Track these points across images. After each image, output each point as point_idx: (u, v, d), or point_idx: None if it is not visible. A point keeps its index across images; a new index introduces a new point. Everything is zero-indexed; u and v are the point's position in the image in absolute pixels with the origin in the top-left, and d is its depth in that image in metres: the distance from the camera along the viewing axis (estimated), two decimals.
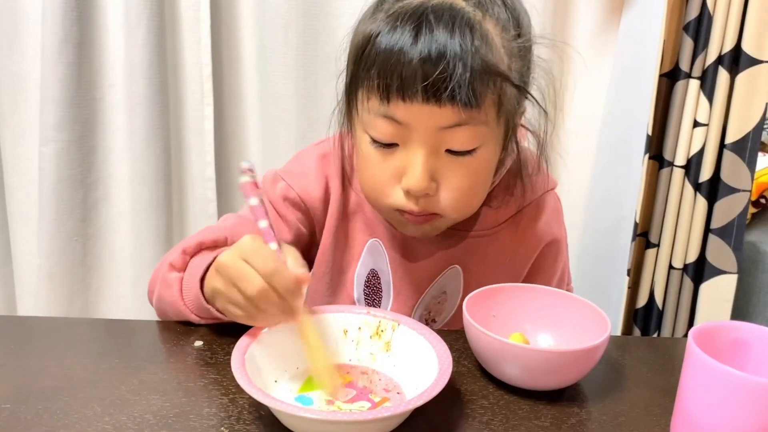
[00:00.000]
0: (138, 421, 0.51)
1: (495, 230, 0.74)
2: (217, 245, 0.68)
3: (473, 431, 0.52)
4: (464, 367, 0.61)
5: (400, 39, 0.59)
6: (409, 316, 0.67)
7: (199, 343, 0.62)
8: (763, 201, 1.26)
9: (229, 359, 0.52)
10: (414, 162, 0.61)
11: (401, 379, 0.58)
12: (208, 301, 0.61)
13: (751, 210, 1.25)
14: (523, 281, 0.75)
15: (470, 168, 0.63)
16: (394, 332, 0.59)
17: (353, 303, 0.76)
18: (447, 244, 0.73)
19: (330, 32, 1.14)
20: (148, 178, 1.15)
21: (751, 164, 1.14)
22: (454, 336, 0.63)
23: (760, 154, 1.16)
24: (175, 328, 0.64)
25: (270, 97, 1.17)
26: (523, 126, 0.69)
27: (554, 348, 0.62)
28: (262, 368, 0.54)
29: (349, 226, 0.75)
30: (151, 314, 1.19)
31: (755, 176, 1.16)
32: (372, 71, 0.60)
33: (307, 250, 0.76)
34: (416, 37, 0.58)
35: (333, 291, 0.76)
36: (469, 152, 0.62)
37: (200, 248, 0.68)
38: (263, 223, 0.58)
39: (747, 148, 1.13)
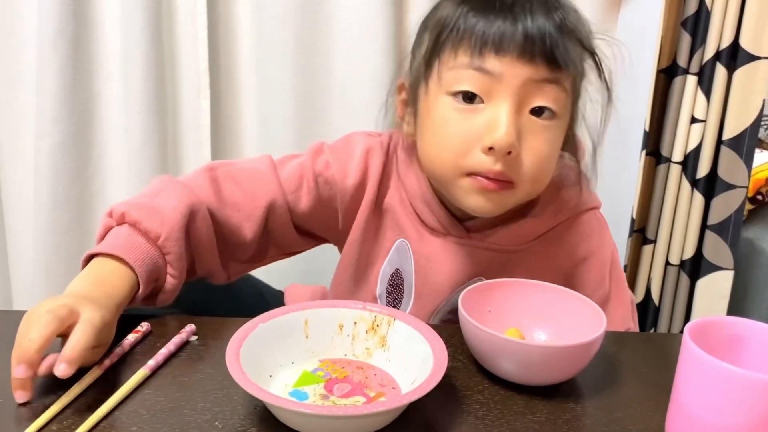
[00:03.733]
0: (131, 416, 0.51)
1: (527, 246, 0.73)
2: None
3: (468, 426, 0.52)
4: (460, 362, 0.60)
5: (494, 6, 0.63)
6: (427, 321, 0.67)
7: (194, 338, 0.62)
8: (759, 197, 1.26)
9: (224, 354, 0.52)
10: (500, 117, 0.62)
11: (397, 374, 0.57)
12: None
13: (748, 206, 1.25)
14: None
15: (548, 136, 0.65)
16: (390, 327, 0.59)
17: (375, 299, 0.76)
18: (475, 255, 0.73)
19: (327, 26, 1.14)
20: (145, 173, 1.15)
21: (748, 161, 1.13)
22: (450, 331, 0.63)
23: (757, 150, 1.16)
24: (170, 323, 0.64)
25: (267, 91, 1.17)
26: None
27: (550, 343, 0.62)
28: (257, 363, 0.54)
29: (380, 223, 0.75)
30: (146, 309, 1.18)
31: (752, 173, 1.16)
32: (462, 29, 0.63)
33: (324, 228, 0.77)
34: (512, 3, 0.63)
35: (356, 283, 0.77)
36: (550, 117, 0.64)
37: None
38: None
39: (744, 145, 1.13)
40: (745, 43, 1.08)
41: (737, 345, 0.51)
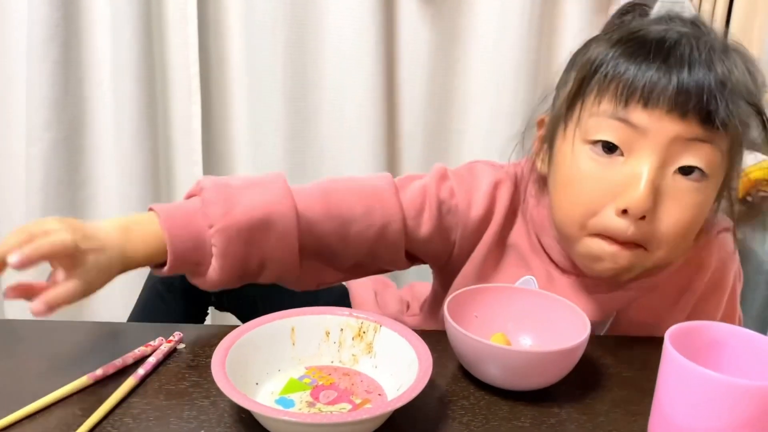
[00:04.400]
0: (118, 425, 0.51)
1: (658, 280, 0.68)
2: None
3: None
4: (445, 368, 0.61)
5: (648, 55, 0.58)
6: None
7: (181, 346, 0.62)
8: (749, 199, 1.27)
9: (210, 361, 0.52)
10: (638, 174, 0.57)
11: (383, 381, 0.58)
12: None
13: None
14: None
15: (694, 199, 0.59)
16: (376, 334, 0.59)
17: None
18: (607, 297, 0.68)
19: (317, 31, 1.14)
20: (136, 178, 1.15)
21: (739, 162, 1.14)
22: (436, 337, 0.63)
23: (746, 151, 1.17)
24: (158, 331, 0.64)
25: (257, 96, 1.17)
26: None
27: (534, 349, 0.62)
28: (243, 371, 0.54)
29: (502, 258, 0.71)
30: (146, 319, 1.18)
31: (742, 174, 1.16)
32: (610, 74, 0.59)
33: (434, 255, 0.73)
34: (668, 53, 0.58)
35: None
36: (699, 178, 0.58)
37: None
38: None
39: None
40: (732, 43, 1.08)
41: (717, 350, 0.51)
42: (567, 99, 0.63)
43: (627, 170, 0.59)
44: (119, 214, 1.18)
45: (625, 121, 0.58)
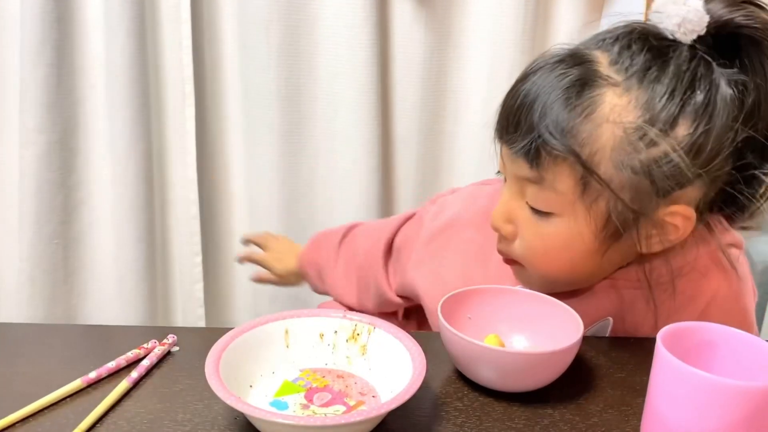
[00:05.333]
0: (112, 428, 0.51)
1: (657, 284, 0.66)
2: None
3: None
4: (439, 370, 0.61)
5: (518, 79, 0.62)
6: None
7: (175, 348, 0.62)
8: None
9: (204, 364, 0.52)
10: (501, 197, 0.64)
11: (377, 383, 0.58)
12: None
13: None
14: None
15: (544, 231, 0.62)
16: (370, 336, 0.59)
17: None
18: (600, 297, 0.68)
19: (312, 33, 1.14)
20: (130, 180, 1.15)
21: None
22: (430, 339, 0.63)
23: None
24: (152, 333, 0.64)
25: (252, 98, 1.17)
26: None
27: (527, 350, 0.62)
28: (237, 373, 0.54)
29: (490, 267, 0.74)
30: (132, 317, 1.19)
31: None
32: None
33: None
34: (521, 81, 0.61)
35: None
36: (543, 214, 0.61)
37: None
38: None
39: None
40: None
41: (710, 351, 0.51)
42: None
43: (502, 193, 0.65)
44: (113, 216, 1.17)
45: (499, 152, 0.64)
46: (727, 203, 0.63)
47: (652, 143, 0.56)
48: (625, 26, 0.61)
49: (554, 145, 0.57)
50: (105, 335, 0.66)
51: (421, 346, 0.56)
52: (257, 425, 0.51)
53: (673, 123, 0.56)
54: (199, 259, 1.20)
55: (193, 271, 1.21)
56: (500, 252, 0.67)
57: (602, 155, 0.57)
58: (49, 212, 1.15)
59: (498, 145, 0.64)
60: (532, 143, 0.58)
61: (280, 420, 0.48)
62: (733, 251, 0.68)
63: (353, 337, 0.60)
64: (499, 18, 1.14)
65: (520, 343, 0.64)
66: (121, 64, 1.11)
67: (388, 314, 0.87)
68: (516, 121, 0.60)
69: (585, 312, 0.66)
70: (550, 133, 0.57)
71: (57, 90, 1.12)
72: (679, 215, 0.59)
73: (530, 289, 0.67)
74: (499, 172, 0.66)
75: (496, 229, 0.65)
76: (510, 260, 0.67)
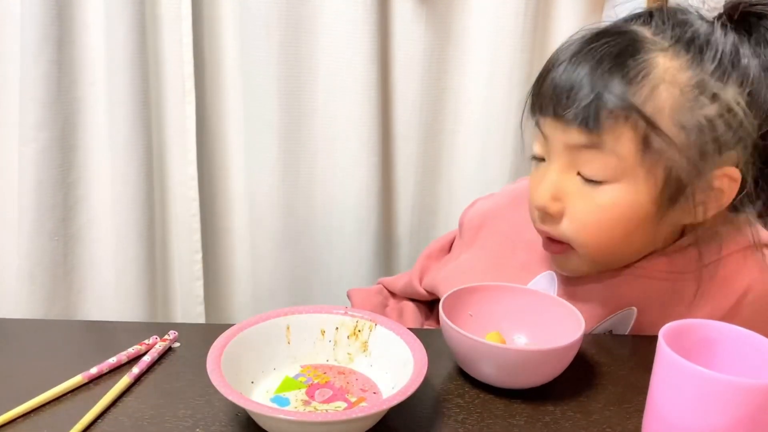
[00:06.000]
0: (113, 424, 0.51)
1: (689, 276, 0.66)
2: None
3: (448, 430, 0.53)
4: (441, 367, 0.61)
5: (556, 59, 0.62)
6: None
7: (176, 345, 0.62)
8: None
9: (206, 360, 0.52)
10: (544, 175, 0.63)
11: (378, 379, 0.58)
12: None
13: None
14: None
15: (598, 202, 0.61)
16: (371, 332, 0.59)
17: None
18: (626, 283, 0.68)
19: (312, 31, 1.14)
20: (130, 177, 1.15)
21: None
22: (432, 335, 0.63)
23: None
24: (153, 330, 0.64)
25: (252, 96, 1.17)
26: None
27: (529, 347, 0.62)
28: (238, 369, 0.54)
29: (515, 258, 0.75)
30: (132, 314, 1.19)
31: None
32: (532, 90, 0.65)
33: None
34: (571, 56, 0.61)
35: None
36: (598, 182, 0.61)
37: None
38: None
39: None
40: None
41: (711, 348, 0.51)
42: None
43: (542, 174, 0.64)
44: (112, 213, 1.17)
45: (541, 131, 0.64)
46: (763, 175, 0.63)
47: (714, 98, 0.58)
48: (650, 7, 0.64)
49: (616, 105, 0.57)
50: (106, 331, 0.66)
51: (422, 342, 0.56)
52: (258, 421, 0.51)
53: (726, 82, 0.59)
54: (198, 256, 1.19)
55: (193, 269, 1.20)
56: (545, 234, 0.65)
57: (662, 116, 0.58)
58: (48, 209, 1.14)
59: (536, 124, 0.64)
60: (591, 106, 0.58)
61: (281, 416, 0.48)
62: (766, 252, 0.68)
63: (354, 334, 0.60)
64: (500, 17, 1.14)
65: (521, 340, 0.64)
66: (121, 61, 1.10)
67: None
68: (570, 88, 0.59)
69: (609, 300, 0.67)
70: (611, 93, 0.58)
71: (57, 87, 1.12)
72: (726, 177, 0.60)
73: (571, 274, 0.67)
74: (534, 157, 0.66)
75: (542, 209, 0.63)
76: (554, 247, 0.65)
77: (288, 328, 0.59)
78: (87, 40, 1.13)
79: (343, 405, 0.55)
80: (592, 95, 0.58)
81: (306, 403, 0.55)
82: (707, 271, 0.67)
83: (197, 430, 0.51)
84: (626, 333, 0.69)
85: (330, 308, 0.61)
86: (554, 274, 0.71)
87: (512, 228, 0.75)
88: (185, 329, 0.64)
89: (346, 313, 0.60)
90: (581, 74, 0.59)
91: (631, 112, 0.58)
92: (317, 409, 0.54)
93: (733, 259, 0.67)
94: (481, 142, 1.18)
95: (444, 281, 0.77)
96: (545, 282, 0.72)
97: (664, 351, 0.47)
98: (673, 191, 0.60)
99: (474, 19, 1.15)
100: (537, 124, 0.64)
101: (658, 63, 0.58)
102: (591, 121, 0.58)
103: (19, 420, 0.51)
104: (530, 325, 0.64)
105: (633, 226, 0.62)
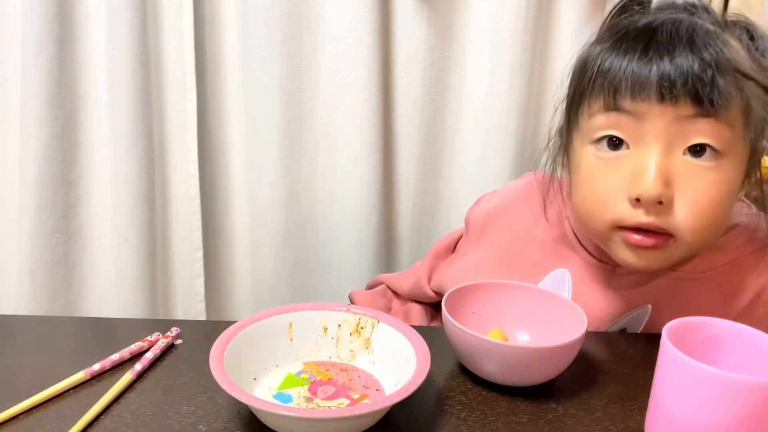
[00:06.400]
0: (115, 420, 0.51)
1: (705, 274, 0.66)
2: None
3: (451, 427, 0.53)
4: (443, 364, 0.61)
5: (630, 46, 0.58)
6: None
7: (179, 341, 0.62)
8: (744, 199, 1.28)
9: (208, 357, 0.52)
10: (646, 162, 0.56)
11: (381, 376, 0.58)
12: None
13: None
14: None
15: (711, 179, 0.57)
16: (374, 329, 0.59)
17: None
18: (643, 282, 0.67)
19: (314, 28, 1.14)
20: (131, 175, 1.14)
21: None
22: (434, 333, 0.63)
23: None
24: (155, 326, 0.64)
25: (253, 94, 1.17)
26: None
27: (532, 344, 0.62)
28: (241, 366, 0.54)
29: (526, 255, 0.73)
30: (132, 312, 1.19)
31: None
32: (596, 72, 0.59)
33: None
34: (647, 42, 0.57)
35: None
36: (712, 155, 0.57)
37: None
38: None
39: None
40: None
41: (715, 346, 0.51)
42: (566, 107, 0.64)
43: (634, 160, 0.58)
44: (113, 211, 1.17)
45: (619, 109, 0.58)
46: None
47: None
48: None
49: (727, 68, 0.56)
50: (109, 328, 0.66)
51: (424, 340, 0.55)
52: (261, 418, 0.51)
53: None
54: (199, 254, 1.19)
55: (194, 267, 1.20)
56: (647, 227, 0.58)
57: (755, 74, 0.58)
58: (49, 206, 1.14)
59: (609, 108, 0.58)
60: (705, 72, 0.55)
61: (284, 412, 0.48)
62: None
63: (357, 331, 0.60)
64: (501, 15, 1.13)
65: (523, 338, 0.64)
66: (122, 58, 1.10)
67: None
68: (673, 55, 0.56)
69: (625, 298, 0.66)
70: (725, 58, 0.56)
71: (58, 84, 1.11)
72: None
73: (647, 269, 0.62)
74: (613, 139, 0.59)
75: (657, 198, 0.56)
76: (652, 240, 0.58)
77: (290, 325, 0.59)
78: (88, 37, 1.13)
79: (346, 402, 0.54)
80: (704, 64, 0.55)
81: (309, 399, 0.55)
82: (721, 271, 0.66)
83: (200, 426, 0.51)
84: (639, 331, 0.69)
85: (332, 305, 0.61)
86: (567, 272, 0.70)
87: (521, 224, 0.74)
88: (187, 326, 0.64)
89: (348, 310, 0.60)
90: (685, 40, 0.56)
91: (740, 75, 0.56)
92: (320, 406, 0.54)
93: (748, 259, 0.67)
94: (482, 140, 1.18)
95: (452, 281, 0.76)
96: (557, 280, 0.70)
97: (667, 348, 0.47)
98: (752, 160, 0.59)
99: (475, 17, 1.15)
100: (612, 107, 0.58)
101: (727, 41, 0.58)
102: (713, 92, 0.55)
103: (21, 417, 0.51)
104: (533, 322, 0.64)
105: (731, 205, 0.59)
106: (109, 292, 1.20)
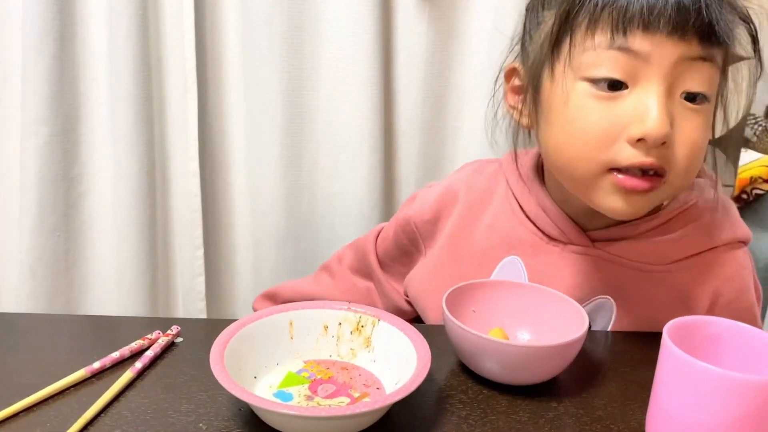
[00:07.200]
0: (116, 418, 0.51)
1: (660, 268, 0.66)
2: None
3: (451, 426, 0.53)
4: (444, 363, 0.61)
5: None
6: None
7: (179, 340, 0.62)
8: (745, 197, 1.28)
9: (208, 355, 0.52)
10: (650, 103, 0.55)
11: (381, 374, 0.58)
12: None
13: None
14: None
15: (701, 122, 0.58)
16: (374, 328, 0.59)
17: None
18: (600, 269, 0.66)
19: (314, 26, 1.14)
20: (131, 173, 1.14)
21: (735, 160, 1.14)
22: (435, 331, 0.63)
23: (742, 149, 1.17)
24: (156, 324, 0.64)
25: (254, 92, 1.16)
26: None
27: (532, 343, 0.62)
28: (241, 364, 0.54)
29: (474, 241, 0.72)
30: (133, 310, 1.19)
31: (738, 172, 1.17)
32: (600, 3, 0.56)
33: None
34: None
35: None
36: (703, 101, 0.58)
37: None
38: None
39: (730, 144, 1.14)
40: None
41: (715, 344, 0.51)
42: (550, 38, 0.60)
43: (634, 100, 0.57)
44: (114, 208, 1.17)
45: (626, 50, 0.56)
46: None
47: None
48: None
49: (733, 13, 0.57)
50: (109, 326, 0.66)
51: (425, 338, 0.55)
52: (261, 416, 0.51)
53: None
54: (200, 252, 1.19)
55: (195, 265, 1.20)
56: (646, 166, 0.57)
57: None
58: (50, 204, 1.14)
59: (614, 46, 0.56)
60: (719, 3, 0.55)
61: (284, 411, 0.48)
62: (746, 249, 0.68)
63: (357, 329, 0.60)
64: (501, 14, 1.13)
65: (524, 336, 0.64)
66: (123, 56, 1.10)
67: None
68: (692, 4, 0.55)
69: (579, 286, 0.67)
70: (730, 4, 0.57)
71: (59, 82, 1.11)
72: None
73: (630, 217, 0.61)
74: (615, 82, 0.57)
75: (664, 138, 0.56)
76: (647, 183, 0.58)
77: (291, 323, 0.59)
78: (89, 35, 1.13)
79: (347, 400, 0.54)
80: (708, 9, 0.55)
81: (309, 398, 0.55)
82: (674, 269, 0.66)
83: (200, 424, 0.51)
84: (608, 328, 0.68)
85: (333, 304, 0.61)
86: (518, 258, 0.69)
87: (469, 211, 0.72)
88: (188, 324, 0.64)
89: (348, 309, 0.60)
90: None
91: (744, 22, 0.58)
92: (320, 405, 0.54)
93: (703, 259, 0.66)
94: (483, 138, 1.18)
95: (416, 283, 0.76)
96: (511, 269, 0.69)
97: (668, 347, 0.47)
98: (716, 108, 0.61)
99: (477, 15, 1.15)
100: (620, 44, 0.56)
101: None
102: (724, 31, 0.55)
103: (21, 414, 0.51)
104: (533, 321, 0.64)
105: (705, 148, 0.61)
106: (110, 290, 1.20)
